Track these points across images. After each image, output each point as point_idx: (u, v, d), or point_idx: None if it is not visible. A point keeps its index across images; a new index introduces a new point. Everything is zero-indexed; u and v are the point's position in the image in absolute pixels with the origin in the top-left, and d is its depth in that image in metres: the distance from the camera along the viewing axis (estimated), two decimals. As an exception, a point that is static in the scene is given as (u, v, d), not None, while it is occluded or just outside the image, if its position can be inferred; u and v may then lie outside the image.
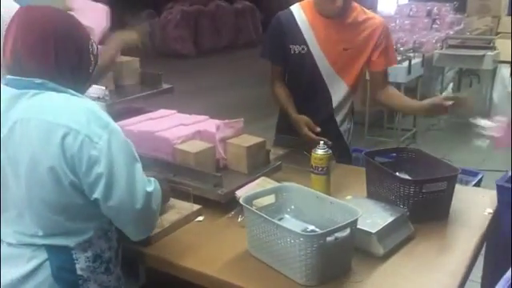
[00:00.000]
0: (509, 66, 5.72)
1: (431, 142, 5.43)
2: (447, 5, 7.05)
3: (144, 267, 1.98)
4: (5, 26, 1.42)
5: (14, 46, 1.38)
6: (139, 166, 1.45)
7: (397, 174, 1.91)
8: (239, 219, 1.79)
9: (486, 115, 5.28)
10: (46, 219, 1.41)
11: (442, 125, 6.08)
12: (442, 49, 5.77)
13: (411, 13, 7.05)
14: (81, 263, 1.45)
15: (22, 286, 1.42)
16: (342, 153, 2.38)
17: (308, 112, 2.30)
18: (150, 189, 1.46)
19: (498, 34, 6.90)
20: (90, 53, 1.48)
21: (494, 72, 5.75)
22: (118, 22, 2.58)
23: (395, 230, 1.68)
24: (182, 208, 1.84)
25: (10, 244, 1.44)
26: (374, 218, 1.67)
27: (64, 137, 1.34)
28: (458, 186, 1.92)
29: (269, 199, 1.72)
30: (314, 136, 2.19)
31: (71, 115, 1.37)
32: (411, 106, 2.39)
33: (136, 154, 1.45)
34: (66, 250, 1.43)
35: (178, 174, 1.93)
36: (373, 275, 1.54)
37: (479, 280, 2.08)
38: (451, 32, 6.50)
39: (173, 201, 1.84)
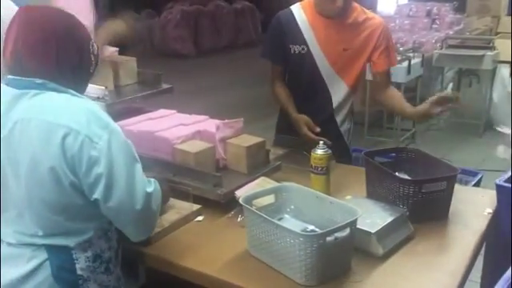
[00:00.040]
0: (508, 66, 5.72)
1: (431, 142, 5.43)
2: (447, 5, 7.05)
3: (144, 267, 1.98)
4: (4, 28, 1.42)
5: (14, 45, 1.38)
6: (139, 166, 1.45)
7: (396, 173, 1.91)
8: (239, 219, 1.80)
9: (485, 115, 5.29)
10: (45, 219, 1.41)
11: (442, 125, 6.08)
12: (441, 49, 5.77)
13: (411, 13, 7.04)
14: (81, 263, 1.45)
15: (21, 286, 1.42)
16: (342, 153, 2.39)
17: (308, 112, 2.30)
18: (149, 189, 1.47)
19: (497, 34, 6.89)
20: (90, 53, 1.48)
21: (493, 72, 5.74)
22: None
23: (395, 230, 1.68)
24: (181, 208, 1.84)
25: (9, 244, 1.44)
26: (374, 217, 1.67)
27: (64, 137, 1.34)
28: (457, 186, 1.92)
29: (268, 199, 1.72)
30: (313, 136, 2.20)
31: (71, 115, 1.37)
32: (406, 110, 2.34)
33: (136, 155, 1.45)
34: (65, 250, 1.43)
35: (177, 173, 1.93)
36: (372, 275, 1.54)
37: (479, 280, 2.08)
38: (451, 32, 6.49)
39: (172, 201, 1.84)
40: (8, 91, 1.40)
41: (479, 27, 7.31)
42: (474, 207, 1.93)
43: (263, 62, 2.47)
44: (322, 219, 1.61)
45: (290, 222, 1.65)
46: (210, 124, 2.13)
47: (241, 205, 1.61)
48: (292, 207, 1.73)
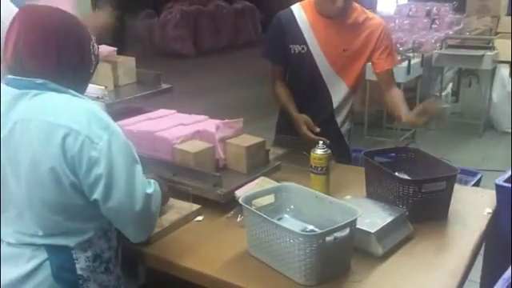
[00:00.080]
0: (508, 66, 5.72)
1: (430, 141, 5.43)
2: (446, 5, 7.04)
3: (143, 267, 1.98)
4: (4, 29, 1.42)
5: (15, 45, 1.38)
6: (139, 167, 1.45)
7: (396, 173, 1.91)
8: (238, 219, 1.80)
9: (485, 115, 5.28)
10: (45, 219, 1.41)
11: (442, 125, 6.08)
12: (441, 49, 5.76)
13: (410, 13, 7.04)
14: (81, 263, 1.45)
15: (21, 286, 1.42)
16: (342, 153, 2.39)
17: (308, 112, 2.30)
18: (149, 191, 1.47)
19: (497, 34, 6.89)
20: (91, 53, 1.48)
21: (493, 72, 5.74)
22: (117, 21, 2.58)
23: (394, 230, 1.68)
24: (181, 208, 1.84)
25: (9, 244, 1.44)
26: (373, 217, 1.67)
27: (65, 137, 1.34)
28: (457, 186, 1.92)
29: (268, 199, 1.72)
30: (312, 136, 2.20)
31: (72, 116, 1.37)
32: (401, 116, 2.26)
33: (136, 156, 1.45)
34: (65, 250, 1.44)
35: (177, 173, 1.93)
36: (372, 275, 1.54)
37: (478, 280, 2.08)
38: (450, 32, 6.49)
39: (172, 200, 1.84)
40: (8, 91, 1.40)
41: (479, 27, 7.31)
42: (473, 207, 1.93)
43: (263, 62, 2.47)
44: (321, 219, 1.61)
45: (290, 222, 1.65)
46: (209, 124, 2.13)
47: (240, 205, 1.61)
48: (291, 207, 1.73)
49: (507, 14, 7.77)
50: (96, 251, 1.49)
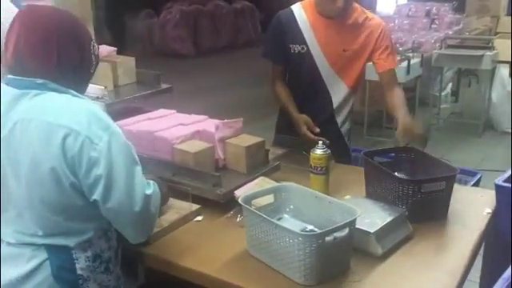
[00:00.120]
0: (508, 65, 5.73)
1: (430, 141, 5.40)
2: (446, 5, 7.05)
3: (143, 267, 1.98)
4: (4, 30, 1.42)
5: (16, 45, 1.38)
6: (139, 168, 1.45)
7: (395, 173, 1.91)
8: (238, 219, 1.80)
9: (485, 115, 5.28)
10: (45, 219, 1.41)
11: (441, 125, 6.09)
12: (440, 49, 5.77)
13: (410, 13, 7.04)
14: (81, 263, 1.45)
15: (21, 286, 1.42)
16: (341, 153, 2.39)
17: (308, 112, 2.30)
18: (149, 192, 1.47)
19: (496, 34, 6.89)
20: (91, 53, 1.48)
21: (492, 72, 5.75)
22: (117, 21, 2.58)
23: (394, 230, 1.69)
24: (180, 208, 1.84)
25: (9, 243, 1.44)
26: (373, 217, 1.67)
27: (65, 138, 1.34)
28: (456, 186, 1.92)
29: (268, 199, 1.72)
30: (312, 136, 2.20)
31: (72, 116, 1.37)
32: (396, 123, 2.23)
33: (136, 157, 1.45)
34: (65, 250, 1.44)
35: (176, 173, 1.93)
36: (371, 275, 1.54)
37: (478, 280, 2.08)
38: (450, 32, 6.49)
39: (172, 200, 1.84)
40: (8, 91, 1.40)
41: (478, 27, 7.31)
42: (473, 207, 1.93)
43: (262, 62, 2.47)
44: (321, 219, 1.62)
45: (289, 222, 1.65)
46: (209, 124, 2.13)
47: (240, 205, 1.61)
48: (291, 207, 1.73)
49: (507, 14, 7.77)
50: (96, 251, 1.49)
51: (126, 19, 10.71)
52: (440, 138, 5.63)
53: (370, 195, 1.93)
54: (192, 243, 1.70)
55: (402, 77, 4.86)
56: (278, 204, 1.73)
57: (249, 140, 2.03)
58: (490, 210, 1.89)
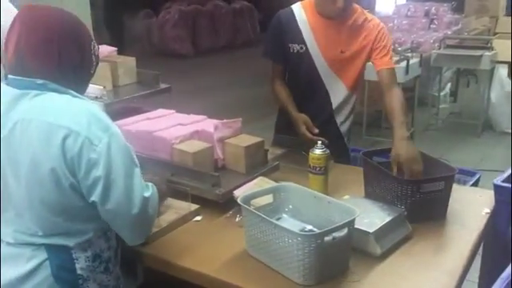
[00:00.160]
0: (506, 66, 5.73)
1: (429, 141, 5.44)
2: (445, 5, 7.05)
3: (142, 267, 1.98)
4: (4, 30, 1.42)
5: (16, 45, 1.38)
6: (138, 170, 1.45)
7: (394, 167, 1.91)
8: (237, 219, 1.80)
9: (484, 115, 5.28)
10: (45, 220, 1.41)
11: (440, 125, 6.10)
12: (439, 49, 5.77)
13: (409, 13, 7.04)
14: (81, 263, 1.45)
15: (21, 286, 1.42)
16: (340, 153, 2.39)
17: (308, 112, 2.30)
18: (147, 194, 1.47)
19: (495, 34, 6.90)
20: (91, 53, 1.48)
21: (491, 72, 5.75)
22: (116, 21, 2.58)
23: (393, 230, 1.69)
24: (179, 208, 1.84)
25: (9, 243, 1.44)
26: (372, 217, 1.67)
27: (65, 138, 1.34)
28: (455, 186, 1.92)
29: (267, 199, 1.72)
30: (310, 135, 2.19)
31: (72, 117, 1.37)
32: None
33: (135, 159, 1.45)
34: (65, 250, 1.44)
35: (176, 173, 1.93)
36: (370, 275, 1.54)
37: (476, 280, 2.08)
38: (449, 32, 6.49)
39: (171, 200, 1.84)
40: (8, 91, 1.40)
41: (477, 27, 7.31)
42: (471, 207, 1.94)
43: (262, 62, 2.47)
44: (320, 219, 1.62)
45: (288, 222, 1.65)
46: (208, 124, 2.13)
47: (239, 205, 1.61)
48: (290, 207, 1.73)
49: (506, 15, 7.78)
50: (96, 251, 1.49)
51: (124, 19, 10.70)
52: (439, 138, 5.64)
53: (368, 195, 1.93)
54: (191, 243, 1.70)
55: (400, 77, 4.85)
56: (277, 204, 1.73)
57: (248, 140, 2.04)
58: (488, 210, 1.90)
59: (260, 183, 1.89)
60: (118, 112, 2.22)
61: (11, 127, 1.38)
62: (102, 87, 2.22)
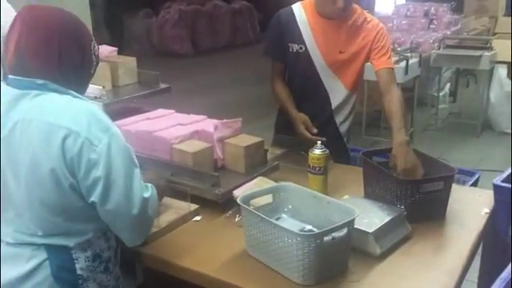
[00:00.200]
0: (506, 66, 5.73)
1: (428, 141, 5.44)
2: (444, 5, 7.05)
3: (141, 267, 1.98)
4: (4, 31, 1.42)
5: (17, 45, 1.37)
6: (138, 171, 1.45)
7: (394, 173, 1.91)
8: (236, 219, 1.80)
9: (483, 115, 5.28)
10: (45, 220, 1.41)
11: (439, 125, 6.10)
12: (439, 49, 5.77)
13: (408, 13, 7.04)
14: (80, 263, 1.45)
15: (21, 286, 1.42)
16: (340, 153, 2.39)
17: (307, 112, 2.30)
18: (147, 195, 1.47)
19: (495, 34, 6.90)
20: (92, 53, 1.48)
21: (491, 72, 5.75)
22: (115, 21, 2.59)
23: (392, 230, 1.69)
24: (179, 208, 1.84)
25: (9, 243, 1.44)
26: (371, 217, 1.68)
27: (64, 139, 1.34)
28: (454, 186, 1.92)
29: (266, 199, 1.72)
30: (309, 135, 2.19)
31: (72, 117, 1.37)
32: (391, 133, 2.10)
33: (135, 159, 1.45)
34: (65, 250, 1.43)
35: (175, 173, 1.93)
36: (370, 275, 1.54)
37: (476, 280, 2.08)
38: (448, 32, 6.49)
39: (170, 200, 1.84)
40: (9, 91, 1.40)
41: (477, 27, 7.31)
42: (471, 207, 1.94)
43: (261, 62, 2.48)
44: (319, 219, 1.62)
45: (288, 222, 1.65)
46: (208, 124, 2.13)
47: (238, 204, 1.61)
48: (289, 207, 1.73)
49: (505, 15, 7.78)
50: (95, 251, 1.49)
51: (124, 19, 10.71)
52: (438, 138, 5.64)
53: (368, 195, 1.94)
54: (190, 243, 1.70)
55: (400, 77, 4.85)
56: (277, 204, 1.73)
57: (248, 140, 2.04)
58: (488, 210, 1.90)
59: (259, 183, 1.90)
60: (117, 112, 2.23)
61: (11, 127, 1.38)
62: (101, 87, 2.22)
